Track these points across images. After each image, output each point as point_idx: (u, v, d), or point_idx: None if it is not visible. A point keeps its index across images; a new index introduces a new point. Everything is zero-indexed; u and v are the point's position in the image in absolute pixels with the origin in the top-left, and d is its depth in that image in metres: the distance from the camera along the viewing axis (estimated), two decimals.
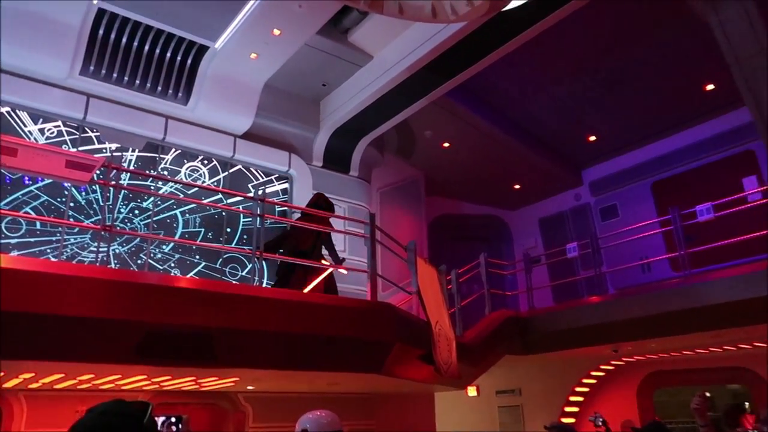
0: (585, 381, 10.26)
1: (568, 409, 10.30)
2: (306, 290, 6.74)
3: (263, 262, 8.32)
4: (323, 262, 6.97)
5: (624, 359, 9.62)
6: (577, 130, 11.46)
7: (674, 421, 10.04)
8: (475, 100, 10.50)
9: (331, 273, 7.18)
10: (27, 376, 5.11)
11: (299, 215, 7.50)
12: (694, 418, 3.69)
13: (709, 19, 6.02)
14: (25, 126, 7.16)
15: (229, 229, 8.48)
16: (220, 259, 8.17)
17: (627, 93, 10.21)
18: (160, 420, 1.76)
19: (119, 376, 5.43)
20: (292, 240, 6.78)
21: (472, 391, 10.97)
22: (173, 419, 1.82)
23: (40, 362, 4.47)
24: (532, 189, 13.00)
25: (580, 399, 10.41)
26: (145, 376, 5.67)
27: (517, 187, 12.99)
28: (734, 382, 10.17)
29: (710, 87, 9.96)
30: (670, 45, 8.95)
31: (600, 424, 4.69)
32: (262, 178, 9.11)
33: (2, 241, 6.59)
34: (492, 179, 12.56)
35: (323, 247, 6.93)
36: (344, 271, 7.39)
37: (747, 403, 9.92)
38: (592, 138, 11.73)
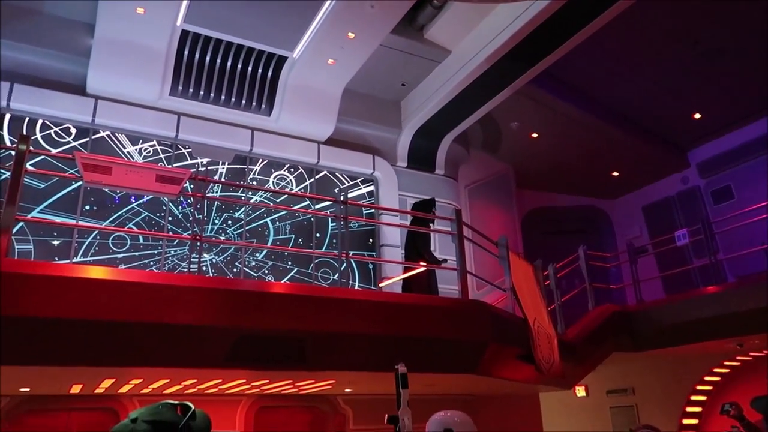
0: (707, 379, 9.38)
1: (690, 409, 9.46)
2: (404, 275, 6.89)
3: (353, 264, 8.38)
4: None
5: (751, 354, 8.68)
6: (679, 108, 10.59)
7: None
8: (561, 86, 9.99)
9: (433, 272, 7.13)
10: (136, 381, 5.37)
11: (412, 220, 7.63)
12: None
13: None
14: (124, 147, 7.64)
15: (318, 234, 8.58)
16: (312, 264, 8.27)
17: (732, 63, 9.29)
18: None
19: (220, 380, 5.59)
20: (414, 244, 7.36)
21: (580, 391, 10.38)
22: None
23: (144, 368, 4.67)
24: (632, 175, 12.19)
25: (703, 398, 9.52)
26: (244, 380, 5.79)
27: (615, 174, 12.23)
28: None
29: None
30: None
31: (732, 413, 4.15)
32: (348, 182, 9.15)
33: (110, 255, 7.04)
34: (587, 168, 11.90)
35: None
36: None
37: None
38: (697, 116, 10.79)
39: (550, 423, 9.98)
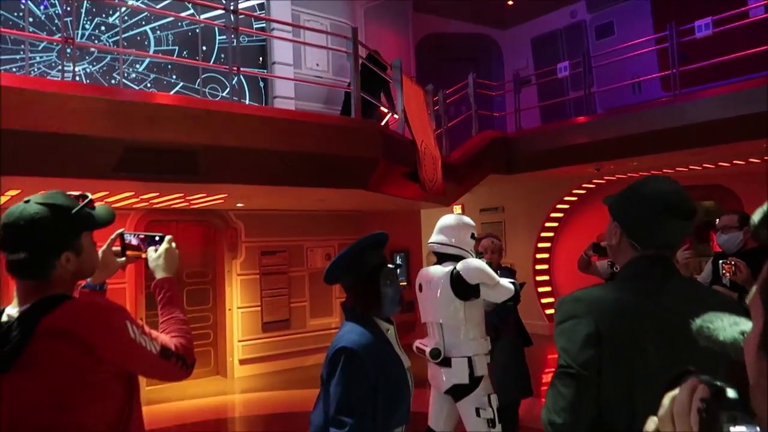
0: (566, 199, 10.61)
1: (548, 224, 10.80)
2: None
3: (244, 81, 8.07)
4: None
5: (605, 178, 9.84)
6: None
7: None
8: None
9: None
10: (13, 192, 5.13)
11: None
12: None
13: None
14: None
15: (204, 47, 8.03)
16: (199, 80, 7.85)
17: None
18: (136, 235, 1.69)
19: (107, 192, 5.49)
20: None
21: (457, 209, 11.37)
22: (157, 237, 1.77)
23: (22, 178, 4.46)
24: (525, 5, 12.23)
25: (560, 215, 10.86)
26: (132, 193, 5.73)
27: (510, 2, 12.21)
28: (709, 199, 10.55)
29: None
30: None
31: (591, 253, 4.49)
32: None
33: None
34: None
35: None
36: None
37: (718, 220, 10.42)
38: None
39: (428, 235, 10.99)
